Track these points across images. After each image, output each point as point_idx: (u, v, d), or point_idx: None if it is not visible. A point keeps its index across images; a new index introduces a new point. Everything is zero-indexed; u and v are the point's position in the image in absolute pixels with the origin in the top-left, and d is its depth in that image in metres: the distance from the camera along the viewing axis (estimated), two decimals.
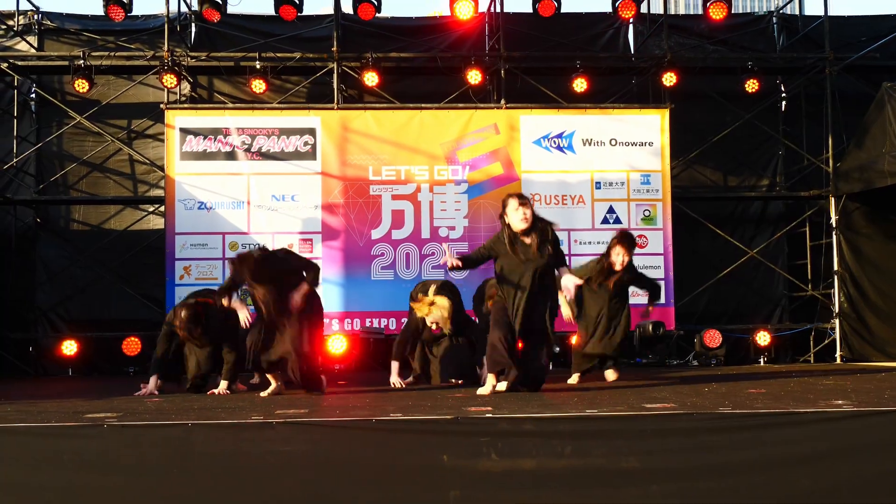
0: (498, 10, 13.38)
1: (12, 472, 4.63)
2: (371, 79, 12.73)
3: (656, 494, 4.62)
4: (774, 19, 14.78)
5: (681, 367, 11.46)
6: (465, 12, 12.73)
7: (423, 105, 12.84)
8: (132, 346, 11.79)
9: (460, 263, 7.25)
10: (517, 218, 7.20)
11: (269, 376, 7.67)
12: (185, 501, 4.57)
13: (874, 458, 4.76)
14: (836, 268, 12.73)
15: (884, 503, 4.67)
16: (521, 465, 4.67)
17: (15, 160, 13.24)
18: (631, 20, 13.80)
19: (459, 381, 8.58)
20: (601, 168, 12.70)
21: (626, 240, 8.30)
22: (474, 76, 12.78)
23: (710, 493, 4.63)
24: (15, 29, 13.60)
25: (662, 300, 12.31)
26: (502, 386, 7.19)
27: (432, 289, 8.51)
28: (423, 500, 4.59)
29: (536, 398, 6.47)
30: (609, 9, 13.38)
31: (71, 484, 4.59)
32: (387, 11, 13.48)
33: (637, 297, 12.24)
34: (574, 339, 8.72)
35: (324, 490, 4.60)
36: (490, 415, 4.97)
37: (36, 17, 13.80)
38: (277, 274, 7.40)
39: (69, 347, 11.98)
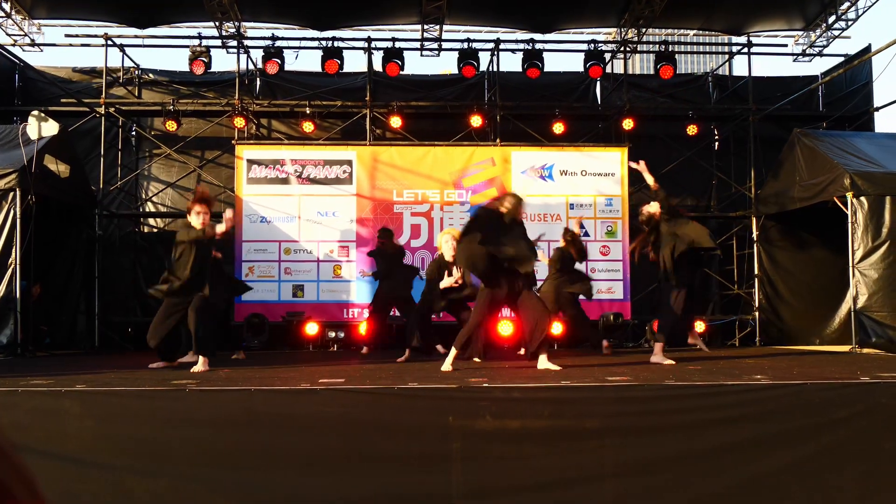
0: (495, 69, 13.41)
1: (115, 425, 4.65)
2: (395, 122, 12.85)
3: (609, 446, 4.63)
4: (710, 78, 14.82)
5: (635, 349, 11.41)
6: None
7: (435, 142, 12.84)
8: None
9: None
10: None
11: None
12: (249, 448, 4.58)
13: (787, 418, 4.78)
14: (756, 272, 12.71)
15: (798, 451, 4.70)
16: (509, 424, 4.67)
17: (119, 182, 13.29)
18: (598, 78, 13.87)
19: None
20: (575, 193, 12.68)
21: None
22: (476, 120, 12.85)
23: (650, 446, 4.65)
24: (120, 81, 13.68)
25: (621, 296, 12.33)
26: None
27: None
28: (431, 450, 4.59)
29: (523, 372, 6.45)
30: (582, 69, 13.42)
31: (160, 435, 4.61)
32: (408, 70, 13.51)
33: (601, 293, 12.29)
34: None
35: (356, 442, 4.60)
36: (486, 384, 4.98)
37: (136, 71, 13.90)
38: None
39: None
